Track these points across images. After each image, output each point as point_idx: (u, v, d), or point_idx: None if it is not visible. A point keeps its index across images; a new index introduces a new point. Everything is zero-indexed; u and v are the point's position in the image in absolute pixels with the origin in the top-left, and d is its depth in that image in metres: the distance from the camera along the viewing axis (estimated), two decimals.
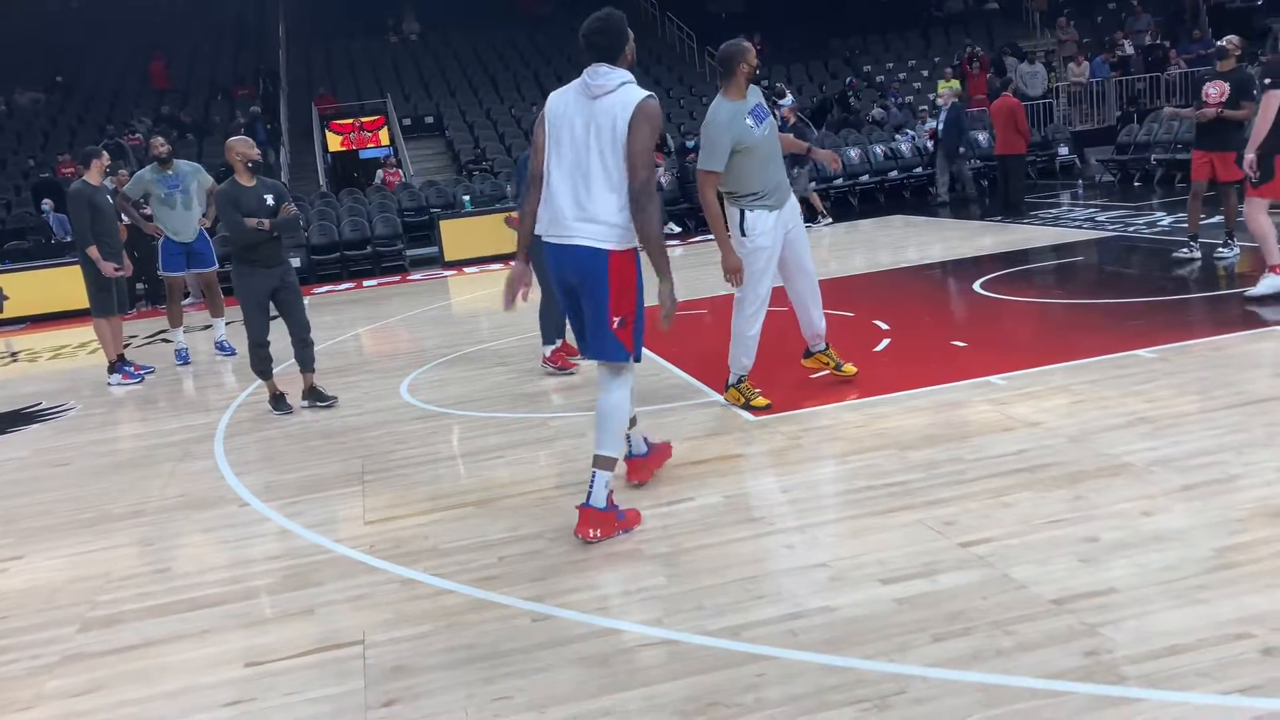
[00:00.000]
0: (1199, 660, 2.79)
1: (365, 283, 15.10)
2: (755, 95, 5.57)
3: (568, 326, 7.34)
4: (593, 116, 4.01)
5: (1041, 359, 6.14)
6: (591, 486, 4.13)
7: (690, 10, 25.45)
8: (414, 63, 24.70)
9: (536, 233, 4.17)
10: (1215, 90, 8.58)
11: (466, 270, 15.13)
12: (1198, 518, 3.72)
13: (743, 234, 5.55)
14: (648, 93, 4.02)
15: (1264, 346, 6.10)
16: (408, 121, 21.77)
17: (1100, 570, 3.40)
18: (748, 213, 5.54)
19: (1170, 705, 2.62)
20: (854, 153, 18.48)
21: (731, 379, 5.92)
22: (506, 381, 7.30)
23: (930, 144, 17.81)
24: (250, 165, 6.80)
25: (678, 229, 16.87)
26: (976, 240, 12.09)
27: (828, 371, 6.20)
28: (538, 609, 3.57)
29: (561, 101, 4.14)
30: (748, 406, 5.80)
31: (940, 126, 16.63)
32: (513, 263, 4.32)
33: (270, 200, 6.77)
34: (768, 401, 5.80)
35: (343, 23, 25.44)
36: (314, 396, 7.12)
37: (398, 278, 15.38)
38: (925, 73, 23.28)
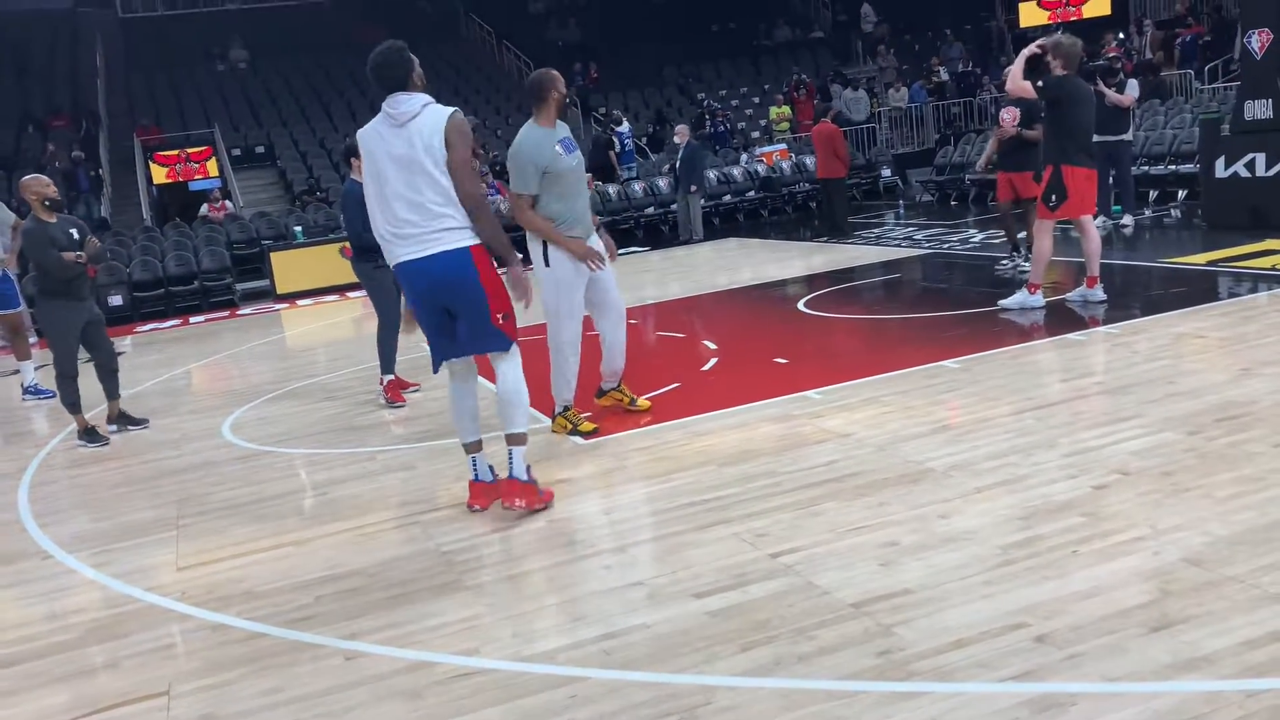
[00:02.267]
0: (979, 652, 2.97)
1: (192, 319, 14.54)
2: (564, 129, 5.62)
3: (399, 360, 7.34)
4: (409, 140, 4.24)
5: (856, 372, 6.41)
6: (510, 461, 4.52)
7: (528, 40, 25.59)
8: (242, 91, 23.99)
9: (387, 262, 4.46)
10: (1009, 115, 9.17)
11: (299, 303, 14.76)
12: (987, 518, 3.95)
13: (546, 264, 5.57)
14: (452, 108, 4.30)
15: (1055, 354, 6.53)
16: (237, 152, 21.12)
17: (898, 573, 3.58)
18: (549, 244, 5.54)
19: (951, 696, 2.78)
20: (712, 174, 18.81)
21: (557, 408, 5.94)
22: (334, 416, 7.16)
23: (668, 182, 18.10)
24: (48, 203, 6.79)
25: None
26: (805, 260, 12.52)
27: (622, 405, 6.16)
28: (352, 647, 3.52)
29: (373, 135, 4.40)
30: (575, 432, 5.84)
31: (678, 164, 16.35)
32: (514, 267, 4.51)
33: (75, 234, 6.88)
34: (594, 426, 5.86)
35: (165, 51, 24.52)
36: (124, 420, 7.33)
37: (226, 313, 14.87)
38: (756, 99, 24.01)
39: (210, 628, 3.83)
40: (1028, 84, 7.53)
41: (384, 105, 4.33)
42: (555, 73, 5.60)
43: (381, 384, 7.32)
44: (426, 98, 4.33)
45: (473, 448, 4.75)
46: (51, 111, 22.44)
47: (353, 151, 7.81)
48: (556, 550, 4.18)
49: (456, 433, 4.80)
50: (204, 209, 18.45)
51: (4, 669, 3.69)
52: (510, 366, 4.52)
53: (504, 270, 4.49)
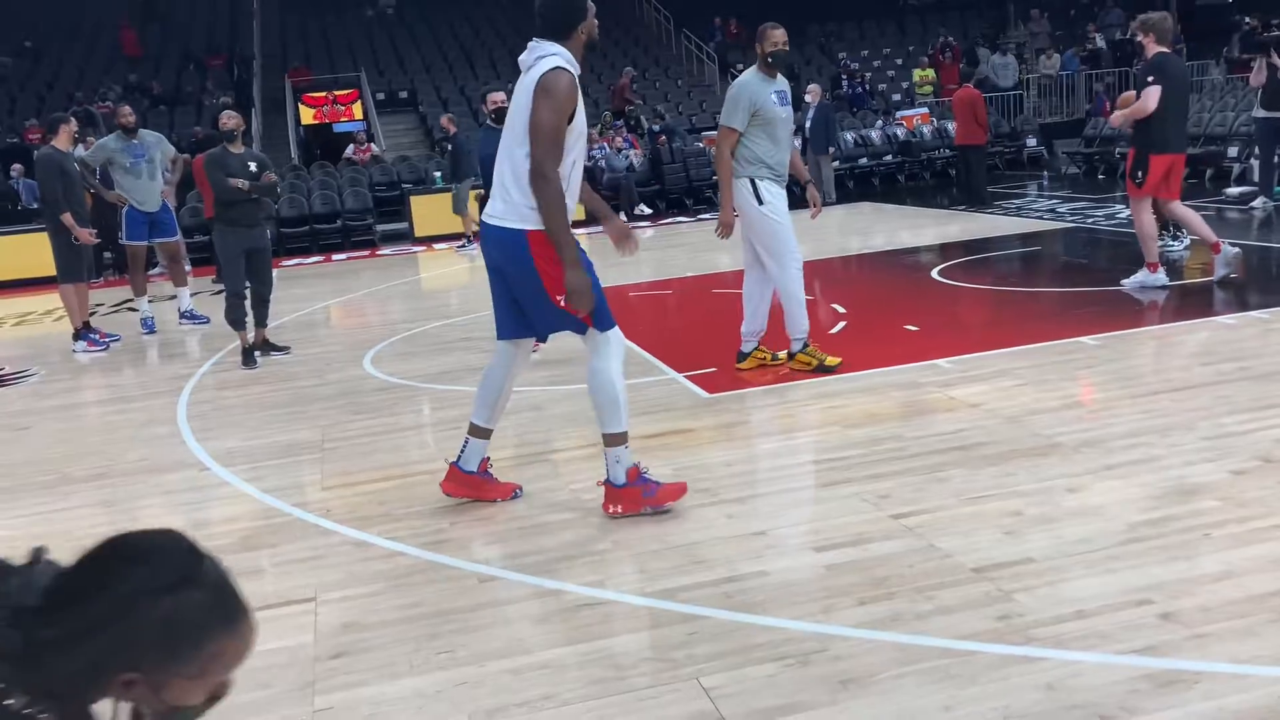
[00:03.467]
0: (1101, 624, 2.97)
1: (334, 256, 15.12)
2: (783, 82, 5.90)
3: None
4: (517, 93, 3.87)
5: (989, 344, 6.32)
6: (606, 464, 4.10)
7: None
8: (389, 38, 24.61)
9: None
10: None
11: (436, 246, 15.19)
12: (1116, 495, 3.90)
13: (759, 202, 5.73)
14: (558, 65, 3.76)
15: (1196, 337, 6.31)
16: (382, 96, 21.72)
17: (1021, 542, 3.57)
18: (759, 181, 5.75)
19: (1069, 663, 2.79)
20: (849, 136, 18.58)
21: (795, 346, 6.03)
22: (469, 356, 7.41)
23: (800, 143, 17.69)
24: (230, 135, 7.44)
25: (649, 210, 16.98)
26: (940, 228, 12.29)
27: (765, 364, 6.23)
28: (484, 570, 3.71)
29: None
30: (822, 368, 5.91)
31: (809, 125, 15.95)
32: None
33: (254, 167, 7.45)
34: (839, 359, 5.96)
35: None
36: (268, 347, 7.83)
37: (367, 252, 15.41)
38: (899, 61, 23.46)
39: (353, 544, 4.08)
40: (1134, 99, 7.32)
41: None
42: (767, 25, 5.92)
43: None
44: (554, 49, 3.82)
45: (474, 430, 4.31)
46: (210, 51, 23.45)
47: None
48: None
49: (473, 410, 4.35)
50: (349, 150, 19.09)
51: None
52: (600, 357, 4.03)
53: (604, 228, 4.31)
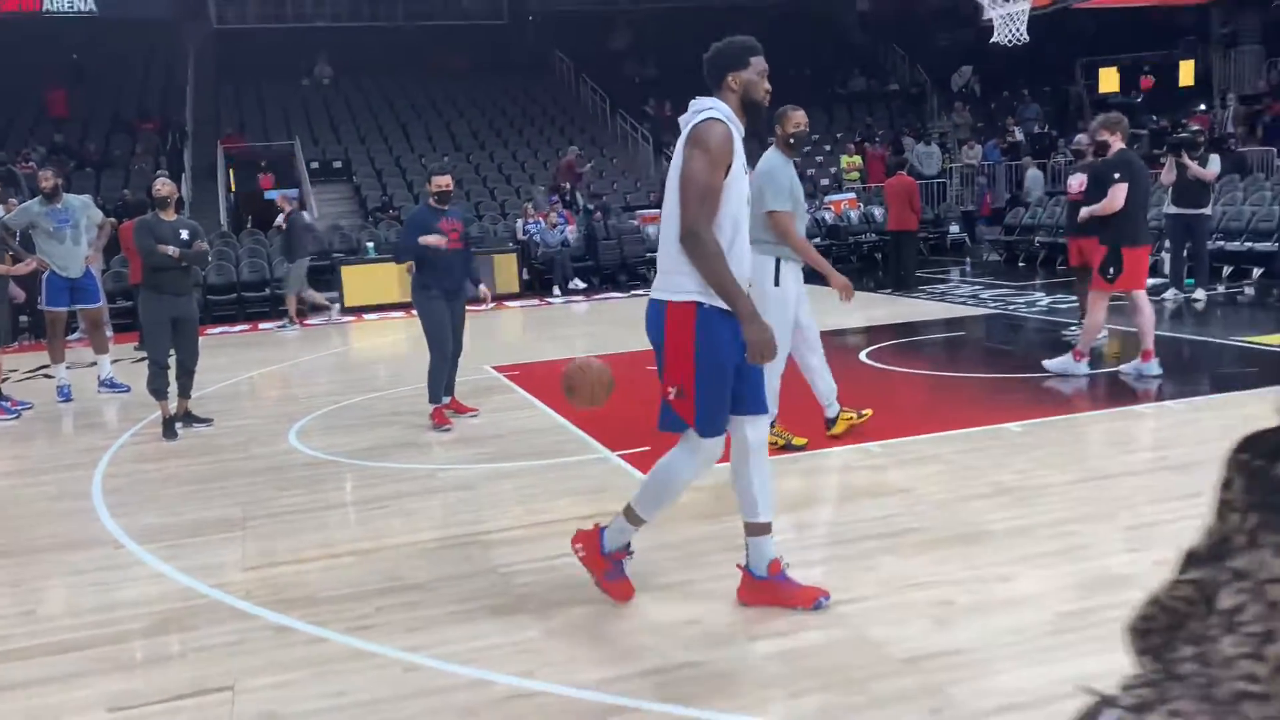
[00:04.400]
0: (1031, 717, 2.98)
1: (261, 325, 14.89)
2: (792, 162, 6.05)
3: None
4: (674, 159, 3.63)
5: (918, 428, 6.42)
6: (612, 533, 3.96)
7: (606, 74, 25.97)
8: (325, 107, 24.61)
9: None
10: (1075, 182, 9.13)
11: (366, 317, 15.04)
12: (1046, 584, 3.95)
13: (775, 284, 5.77)
14: (712, 116, 3.55)
15: (1119, 425, 6.48)
16: (315, 165, 21.65)
17: (952, 631, 3.59)
18: (783, 263, 5.84)
19: None
20: None
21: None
22: (397, 431, 7.31)
23: None
24: (162, 202, 7.41)
25: (583, 285, 17.06)
26: (868, 311, 12.52)
27: (854, 424, 6.37)
28: (411, 659, 3.61)
29: None
30: (790, 447, 6.03)
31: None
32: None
33: (185, 235, 7.40)
34: (805, 440, 6.10)
35: (255, 64, 25.24)
36: (190, 419, 7.65)
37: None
38: (828, 147, 24.10)
39: (274, 629, 3.95)
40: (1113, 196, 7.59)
41: None
42: (786, 108, 5.92)
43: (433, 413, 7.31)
44: (712, 104, 3.62)
45: (752, 529, 3.89)
46: (141, 116, 23.19)
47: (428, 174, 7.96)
48: None
49: (648, 507, 4.01)
50: (279, 218, 18.87)
51: (76, 652, 3.83)
52: (684, 452, 3.74)
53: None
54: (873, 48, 28.41)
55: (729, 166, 3.53)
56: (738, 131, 3.62)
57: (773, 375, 5.87)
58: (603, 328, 11.86)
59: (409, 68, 25.66)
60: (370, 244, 17.03)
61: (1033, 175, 19.45)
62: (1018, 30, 10.42)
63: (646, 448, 6.18)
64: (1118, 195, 7.43)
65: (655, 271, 3.76)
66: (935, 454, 5.87)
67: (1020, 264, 16.75)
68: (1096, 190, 7.80)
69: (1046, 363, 7.88)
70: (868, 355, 9.39)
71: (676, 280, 3.55)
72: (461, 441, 6.93)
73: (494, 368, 9.72)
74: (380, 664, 3.59)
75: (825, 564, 4.27)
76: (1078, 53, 24.63)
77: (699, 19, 27.40)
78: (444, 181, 7.36)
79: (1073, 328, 9.83)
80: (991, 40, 10.97)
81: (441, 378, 7.31)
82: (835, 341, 10.55)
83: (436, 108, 25.03)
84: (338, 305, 15.24)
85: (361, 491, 5.87)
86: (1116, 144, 7.59)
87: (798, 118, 5.91)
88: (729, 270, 3.48)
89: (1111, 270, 7.51)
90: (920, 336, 10.55)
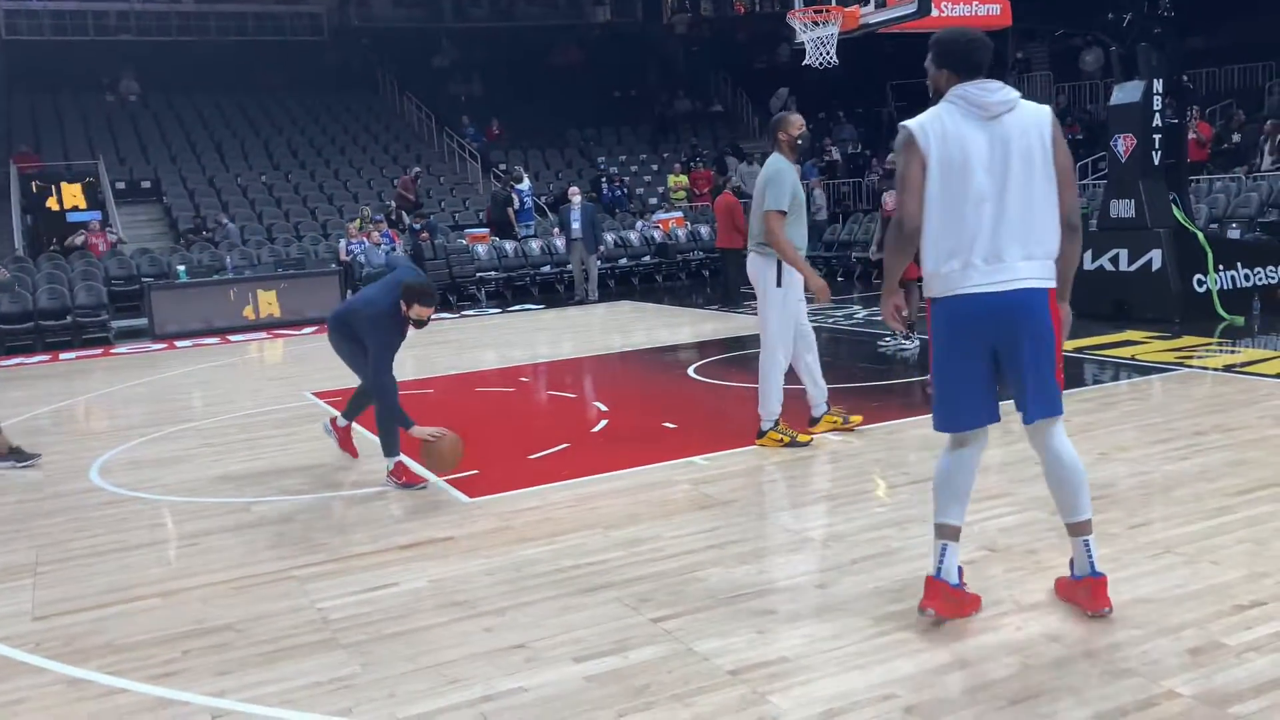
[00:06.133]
0: None
1: (62, 355, 13.95)
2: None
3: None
4: (1008, 136, 3.52)
5: (741, 440, 6.52)
6: (1089, 554, 3.66)
7: (430, 92, 25.63)
8: (132, 124, 23.36)
9: (956, 290, 3.58)
10: (890, 198, 9.58)
11: (178, 344, 14.31)
12: (861, 589, 4.06)
13: (778, 285, 5.92)
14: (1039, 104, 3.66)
15: (930, 432, 6.74)
16: (122, 185, 20.52)
17: (775, 641, 3.64)
18: (784, 263, 5.97)
19: None
20: (610, 237, 19.05)
21: (765, 426, 6.29)
22: (210, 463, 6.94)
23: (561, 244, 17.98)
24: None
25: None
26: (696, 326, 12.74)
27: (836, 426, 6.51)
28: (219, 704, 3.40)
29: (947, 129, 3.57)
30: (794, 443, 6.20)
31: (578, 226, 16.45)
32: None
33: None
34: (810, 437, 6.30)
35: (51, 77, 23.74)
36: (18, 456, 7.12)
37: (100, 350, 14.32)
38: (655, 167, 24.47)
39: (66, 682, 3.66)
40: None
41: (967, 89, 3.56)
42: (783, 114, 6.18)
43: (387, 470, 6.00)
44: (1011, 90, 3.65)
45: (953, 532, 3.73)
46: None
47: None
48: (437, 610, 4.12)
49: (937, 510, 3.74)
50: (79, 238, 17.77)
51: None
52: (1061, 436, 3.68)
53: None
54: (695, 70, 29.03)
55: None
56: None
57: (776, 373, 6.16)
58: (431, 350, 11.63)
59: (223, 84, 24.65)
60: (182, 267, 16.22)
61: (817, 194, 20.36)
62: (828, 53, 10.80)
63: (474, 471, 6.07)
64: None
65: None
66: (758, 465, 5.98)
67: (839, 279, 17.36)
68: None
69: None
70: (695, 370, 9.52)
71: (1049, 266, 3.57)
72: (276, 473, 6.64)
73: (314, 394, 9.38)
74: (185, 713, 3.37)
75: (656, 579, 4.27)
76: (889, 75, 25.81)
77: (523, 38, 27.52)
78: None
79: (886, 339, 10.24)
80: (804, 63, 11.31)
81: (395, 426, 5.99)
82: (665, 357, 10.69)
83: (253, 125, 24.14)
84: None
85: (168, 529, 5.54)
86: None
87: (799, 122, 6.10)
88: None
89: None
90: (745, 350, 10.78)
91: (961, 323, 3.59)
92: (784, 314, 6.19)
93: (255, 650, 3.83)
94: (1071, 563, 3.79)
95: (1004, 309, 3.53)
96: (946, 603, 3.66)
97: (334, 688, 3.48)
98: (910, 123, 3.63)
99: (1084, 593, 3.69)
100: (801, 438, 6.28)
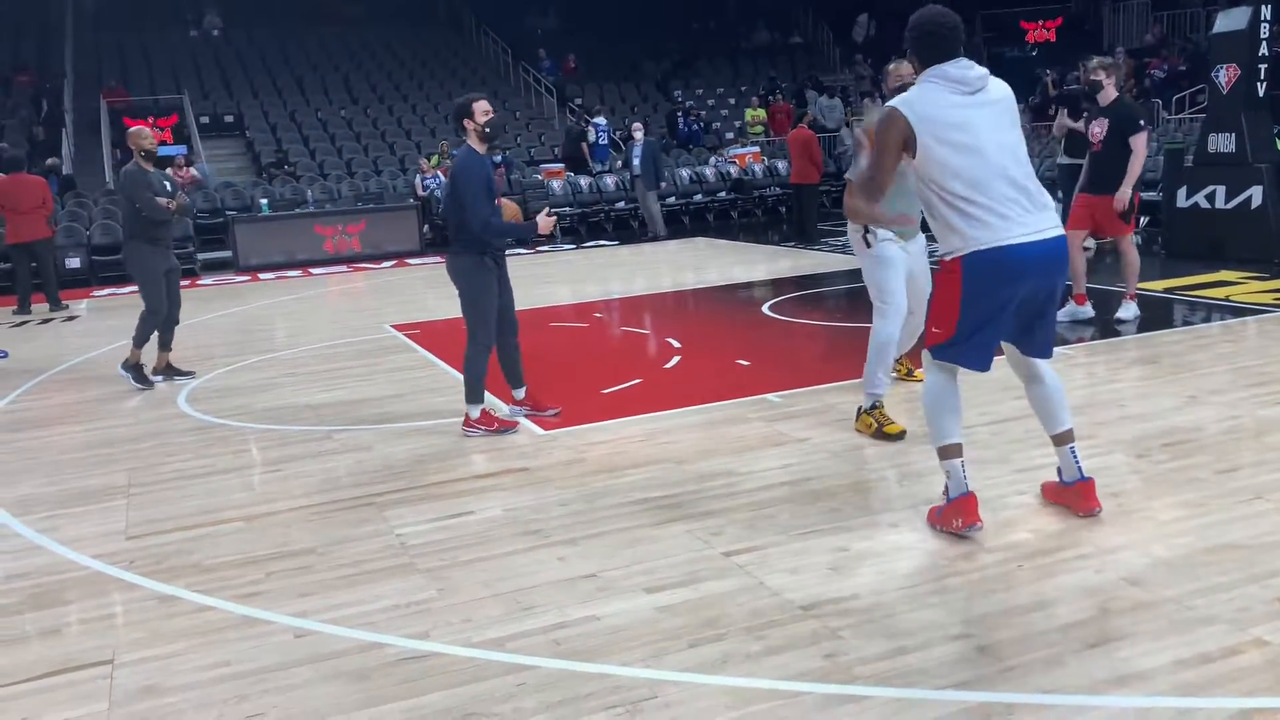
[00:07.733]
0: (922, 660, 3.03)
1: None
2: None
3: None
4: (995, 106, 3.80)
5: (817, 378, 6.46)
6: (1075, 459, 4.06)
7: (507, 25, 25.46)
8: (215, 59, 23.68)
9: (1004, 242, 3.70)
10: (1099, 128, 7.71)
11: (261, 276, 14.61)
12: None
13: (867, 245, 5.40)
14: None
15: (1003, 372, 6.60)
16: (206, 120, 20.86)
17: (847, 578, 3.63)
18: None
19: (892, 701, 2.83)
20: (685, 172, 18.90)
21: (865, 403, 5.38)
22: (291, 392, 7.11)
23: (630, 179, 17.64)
24: (145, 154, 7.38)
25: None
26: (772, 264, 12.60)
27: (901, 378, 6.22)
28: (301, 624, 3.51)
29: (940, 105, 3.76)
30: (880, 434, 5.24)
31: (638, 161, 16.18)
32: None
33: (168, 186, 7.50)
34: (902, 428, 5.24)
35: (137, 13, 24.11)
36: (171, 371, 7.75)
37: (187, 282, 14.64)
38: (733, 101, 24.07)
39: (158, 598, 3.81)
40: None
41: (949, 68, 3.78)
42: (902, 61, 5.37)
43: (466, 421, 5.77)
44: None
45: (957, 450, 3.98)
46: (17, 68, 22.02)
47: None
48: (512, 539, 4.19)
49: (937, 435, 3.99)
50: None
51: None
52: (1051, 371, 4.15)
53: None
54: (774, 0, 28.36)
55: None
56: None
57: (881, 350, 5.46)
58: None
59: (303, 19, 24.80)
60: (264, 201, 16.49)
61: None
62: None
63: (557, 410, 6.11)
64: (1143, 143, 7.42)
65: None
66: (835, 404, 5.91)
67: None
68: (1116, 138, 7.46)
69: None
70: (770, 308, 9.43)
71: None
72: (356, 403, 6.77)
73: (394, 326, 9.52)
74: (268, 631, 3.49)
75: (728, 514, 4.28)
76: (977, 4, 24.93)
77: None
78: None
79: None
80: None
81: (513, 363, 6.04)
82: (740, 294, 10.60)
83: (332, 60, 24.26)
84: None
85: (253, 455, 5.70)
86: (1111, 88, 7.55)
87: (907, 69, 5.36)
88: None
89: (1133, 214, 7.63)
90: (822, 288, 10.64)
91: (1009, 271, 3.73)
92: (888, 272, 5.40)
93: (336, 574, 3.94)
94: (1059, 470, 4.14)
95: (1048, 256, 3.77)
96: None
97: (411, 611, 3.57)
98: (895, 101, 3.87)
99: (1075, 495, 4.05)
100: (889, 429, 5.27)
